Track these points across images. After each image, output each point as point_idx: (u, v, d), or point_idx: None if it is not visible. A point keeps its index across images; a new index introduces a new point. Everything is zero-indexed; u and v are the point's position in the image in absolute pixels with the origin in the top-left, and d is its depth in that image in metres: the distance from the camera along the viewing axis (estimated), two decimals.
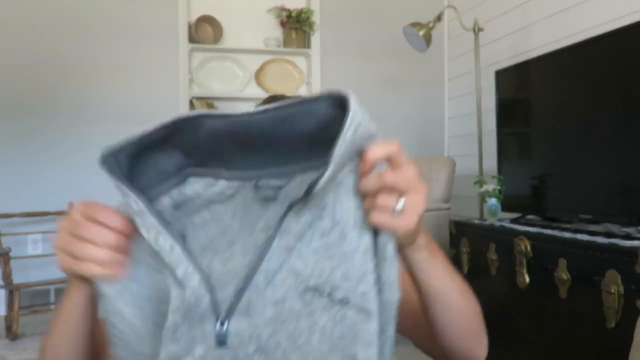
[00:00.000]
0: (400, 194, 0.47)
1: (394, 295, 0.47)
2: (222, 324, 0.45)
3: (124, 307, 0.48)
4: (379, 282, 0.47)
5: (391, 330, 0.48)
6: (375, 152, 0.46)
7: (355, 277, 0.46)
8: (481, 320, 0.67)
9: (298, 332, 0.45)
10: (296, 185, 0.48)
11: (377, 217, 0.46)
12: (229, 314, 0.46)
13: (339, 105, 0.45)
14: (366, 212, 0.47)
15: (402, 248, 0.52)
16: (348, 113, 0.43)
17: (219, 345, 0.45)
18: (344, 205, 0.46)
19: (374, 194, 0.46)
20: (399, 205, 0.46)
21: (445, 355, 0.67)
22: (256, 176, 0.49)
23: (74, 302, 0.55)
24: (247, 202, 0.49)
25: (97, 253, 0.48)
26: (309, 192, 0.43)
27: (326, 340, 0.45)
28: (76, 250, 0.48)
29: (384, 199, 0.46)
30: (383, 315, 0.47)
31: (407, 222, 0.47)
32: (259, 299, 0.45)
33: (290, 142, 0.47)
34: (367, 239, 0.47)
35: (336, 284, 0.46)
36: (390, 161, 0.47)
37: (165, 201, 0.49)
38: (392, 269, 0.47)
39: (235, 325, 0.45)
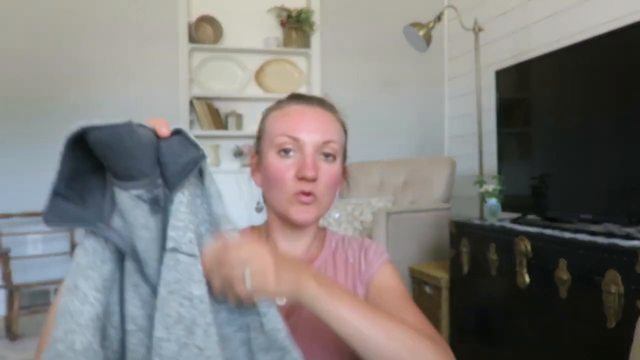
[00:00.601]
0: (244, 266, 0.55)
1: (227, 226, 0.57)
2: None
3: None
4: (209, 223, 0.57)
5: None
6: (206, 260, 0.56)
7: (182, 227, 0.54)
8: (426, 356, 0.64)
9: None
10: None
11: (236, 296, 0.55)
12: None
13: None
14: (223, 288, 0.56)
15: (297, 301, 0.60)
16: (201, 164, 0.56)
17: None
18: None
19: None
20: (247, 283, 0.54)
21: None
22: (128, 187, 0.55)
23: None
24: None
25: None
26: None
27: (164, 285, 0.53)
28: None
29: (234, 279, 0.54)
30: None
31: (267, 292, 0.56)
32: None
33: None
34: (186, 194, 0.55)
35: (168, 235, 0.54)
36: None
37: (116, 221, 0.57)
38: (219, 206, 0.58)
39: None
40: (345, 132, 0.89)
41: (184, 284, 0.53)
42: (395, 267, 0.89)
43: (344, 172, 0.90)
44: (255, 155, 0.88)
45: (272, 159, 0.81)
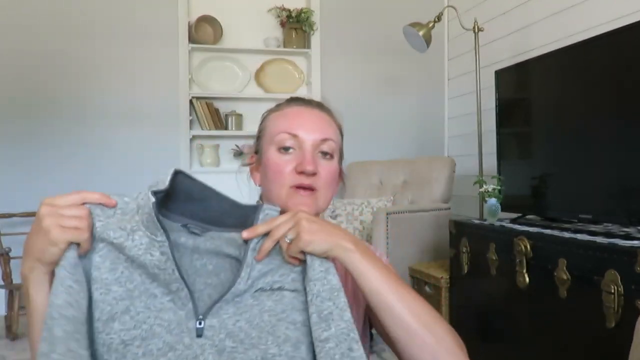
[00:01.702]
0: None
1: (317, 274, 0.68)
2: (199, 322, 0.66)
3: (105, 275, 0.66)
4: (304, 270, 0.69)
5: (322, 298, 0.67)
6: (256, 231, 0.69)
7: (286, 272, 0.69)
8: (441, 332, 0.69)
9: (253, 316, 0.67)
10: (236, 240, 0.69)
11: (285, 249, 0.68)
12: (204, 316, 0.67)
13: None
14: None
15: (334, 255, 0.68)
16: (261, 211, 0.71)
17: (198, 337, 0.66)
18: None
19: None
20: (288, 237, 0.67)
21: None
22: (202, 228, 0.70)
23: (40, 297, 0.65)
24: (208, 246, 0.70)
25: (77, 222, 0.63)
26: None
27: (273, 315, 0.68)
28: (62, 220, 0.62)
29: (282, 242, 0.68)
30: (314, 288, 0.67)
31: (301, 242, 0.66)
32: (225, 305, 0.67)
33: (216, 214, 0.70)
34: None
35: (275, 280, 0.69)
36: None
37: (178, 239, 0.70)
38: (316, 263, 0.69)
39: (209, 322, 0.66)
40: (341, 135, 0.92)
41: (289, 312, 0.68)
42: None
43: (340, 173, 0.92)
44: (254, 155, 0.91)
45: (272, 154, 0.84)
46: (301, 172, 0.81)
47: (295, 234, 0.67)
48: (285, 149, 0.83)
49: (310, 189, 0.82)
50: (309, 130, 0.83)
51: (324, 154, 0.84)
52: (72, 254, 0.62)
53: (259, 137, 0.90)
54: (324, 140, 0.84)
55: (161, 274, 0.65)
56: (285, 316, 0.67)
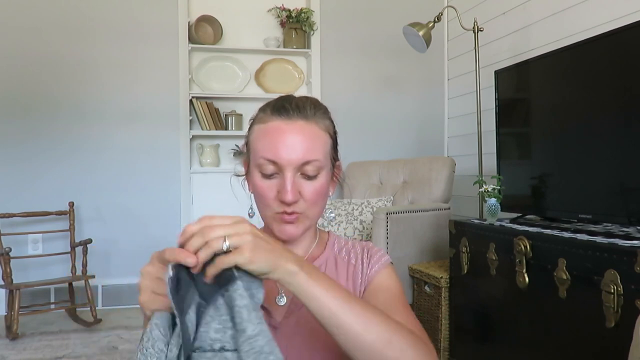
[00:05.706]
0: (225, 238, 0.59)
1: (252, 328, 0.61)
2: None
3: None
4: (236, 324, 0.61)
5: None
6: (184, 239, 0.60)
7: (221, 327, 0.60)
8: (403, 346, 0.64)
9: None
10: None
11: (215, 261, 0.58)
12: None
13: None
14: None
15: (275, 278, 0.61)
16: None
17: None
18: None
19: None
20: (226, 245, 0.58)
21: None
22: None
23: None
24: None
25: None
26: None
27: None
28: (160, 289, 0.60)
29: (212, 246, 0.58)
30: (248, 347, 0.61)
31: (241, 258, 0.58)
32: None
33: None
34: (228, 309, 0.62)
35: (214, 338, 0.60)
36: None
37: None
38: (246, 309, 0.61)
39: None
40: (334, 132, 0.87)
41: None
42: (395, 270, 0.89)
43: (336, 172, 0.90)
44: (246, 164, 0.89)
45: (256, 178, 0.82)
46: (282, 201, 0.79)
47: (235, 246, 0.58)
48: (267, 176, 0.80)
49: (294, 213, 0.80)
50: (289, 154, 0.78)
51: (308, 177, 0.80)
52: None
53: (247, 150, 0.87)
54: (306, 163, 0.79)
55: None
56: None
